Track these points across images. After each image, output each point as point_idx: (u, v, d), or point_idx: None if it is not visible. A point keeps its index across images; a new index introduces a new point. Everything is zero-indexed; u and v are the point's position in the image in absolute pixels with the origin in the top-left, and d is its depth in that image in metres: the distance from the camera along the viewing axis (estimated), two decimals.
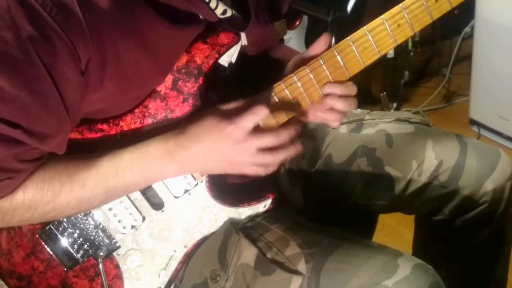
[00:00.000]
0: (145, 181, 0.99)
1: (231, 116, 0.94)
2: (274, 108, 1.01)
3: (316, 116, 1.05)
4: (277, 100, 1.00)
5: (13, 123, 0.81)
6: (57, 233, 1.04)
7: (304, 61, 1.01)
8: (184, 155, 0.95)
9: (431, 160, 1.21)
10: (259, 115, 0.94)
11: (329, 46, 1.01)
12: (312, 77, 0.99)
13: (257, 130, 0.95)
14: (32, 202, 0.91)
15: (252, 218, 1.10)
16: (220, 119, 0.94)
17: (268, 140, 0.95)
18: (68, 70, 0.83)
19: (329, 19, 2.41)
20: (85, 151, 0.96)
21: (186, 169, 0.99)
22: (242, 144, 0.94)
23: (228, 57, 1.03)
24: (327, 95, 1.01)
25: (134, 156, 0.95)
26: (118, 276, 1.08)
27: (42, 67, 0.80)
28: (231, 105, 0.96)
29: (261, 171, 0.99)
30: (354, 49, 0.98)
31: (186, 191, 1.05)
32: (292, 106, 1.01)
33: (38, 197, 0.90)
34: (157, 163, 0.95)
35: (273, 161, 0.98)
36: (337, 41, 1.00)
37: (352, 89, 1.02)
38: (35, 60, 0.79)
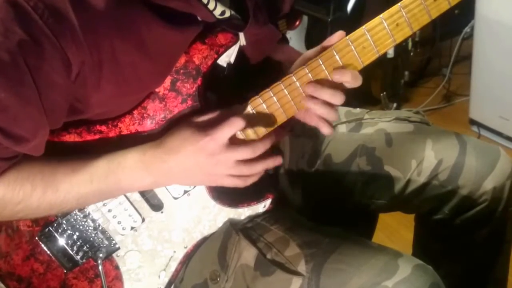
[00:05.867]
0: (119, 191, 1.00)
1: (206, 127, 0.93)
2: (273, 109, 1.01)
3: (312, 118, 1.04)
4: (276, 99, 1.00)
5: None
6: (56, 235, 1.04)
7: (314, 56, 0.99)
8: (160, 168, 0.95)
9: (430, 159, 1.20)
10: (235, 127, 0.93)
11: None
12: (311, 77, 0.99)
13: (234, 142, 0.95)
14: (1, 201, 0.91)
15: (251, 218, 1.09)
16: (194, 130, 0.93)
17: (244, 153, 0.95)
18: (55, 75, 0.82)
19: (329, 19, 2.42)
20: (83, 152, 0.96)
21: (163, 181, 0.99)
22: (217, 156, 0.94)
23: (227, 58, 1.03)
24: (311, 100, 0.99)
25: (111, 165, 0.95)
26: (118, 278, 1.08)
27: (27, 70, 0.80)
28: (207, 116, 0.96)
29: (239, 183, 0.99)
30: (353, 49, 0.98)
31: (185, 192, 1.05)
32: (291, 106, 1.01)
33: (8, 196, 0.90)
34: (133, 174, 0.95)
35: (250, 173, 0.98)
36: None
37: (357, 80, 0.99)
38: (21, 64, 0.79)
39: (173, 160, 0.94)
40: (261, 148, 0.97)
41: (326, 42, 0.99)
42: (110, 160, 0.95)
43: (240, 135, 0.99)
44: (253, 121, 1.00)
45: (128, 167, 0.95)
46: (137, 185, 0.98)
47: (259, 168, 0.99)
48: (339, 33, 0.98)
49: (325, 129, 1.02)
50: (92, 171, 0.94)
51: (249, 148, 0.96)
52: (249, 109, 1.00)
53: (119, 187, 0.97)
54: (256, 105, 1.00)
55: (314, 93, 0.97)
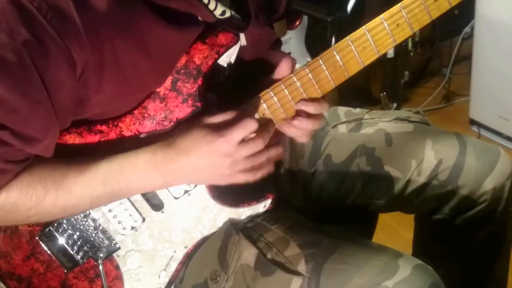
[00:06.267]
0: (131, 192, 1.00)
1: (220, 128, 0.93)
2: (273, 109, 1.01)
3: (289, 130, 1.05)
4: (276, 100, 1.00)
5: (0, 124, 0.81)
6: (56, 235, 1.04)
7: (270, 83, 1.02)
8: (172, 168, 0.95)
9: (430, 159, 1.20)
10: (249, 128, 0.94)
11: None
12: (311, 77, 0.99)
13: (244, 140, 0.95)
14: (15, 206, 0.90)
15: (252, 218, 1.09)
16: (209, 131, 0.93)
17: (254, 147, 0.96)
18: (61, 74, 0.82)
19: (329, 19, 2.42)
20: (84, 152, 0.96)
21: (174, 181, 0.99)
22: (231, 157, 0.94)
23: (227, 58, 1.03)
24: (297, 113, 1.02)
25: (123, 167, 0.95)
26: (118, 277, 1.08)
27: (34, 70, 0.80)
28: (220, 117, 0.96)
29: (249, 178, 0.99)
30: (353, 49, 0.98)
31: (186, 191, 1.05)
32: (291, 106, 1.01)
33: (21, 201, 0.90)
34: (144, 175, 0.95)
35: (259, 162, 0.98)
36: (337, 41, 1.00)
37: (323, 108, 1.03)
38: (28, 64, 0.79)
39: (185, 160, 0.94)
40: (267, 135, 0.98)
41: (275, 75, 1.02)
42: (121, 161, 0.95)
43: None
44: (266, 125, 1.00)
45: (139, 168, 0.95)
46: (148, 185, 0.98)
47: (264, 157, 0.99)
48: (286, 67, 1.02)
49: (300, 138, 1.04)
50: (103, 174, 0.94)
51: (257, 140, 0.96)
52: (262, 100, 1.01)
53: (130, 188, 0.97)
54: (278, 91, 1.00)
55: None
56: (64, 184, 0.92)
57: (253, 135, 0.98)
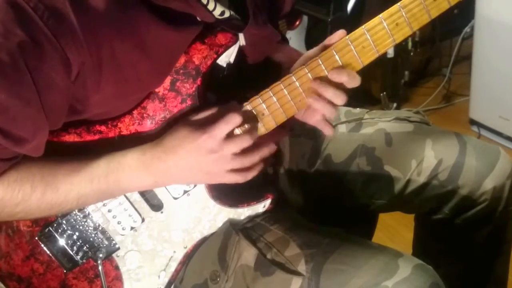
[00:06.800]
0: (119, 191, 1.00)
1: (204, 125, 0.94)
2: (272, 109, 1.01)
3: (311, 118, 1.04)
4: (275, 99, 1.00)
5: None
6: (56, 235, 1.04)
7: (314, 56, 1.00)
8: (160, 167, 0.95)
9: (430, 159, 1.20)
10: (232, 123, 0.94)
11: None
12: (310, 77, 0.99)
13: (230, 136, 0.95)
14: (1, 202, 0.90)
15: (251, 218, 1.09)
16: (192, 129, 0.93)
17: (241, 142, 0.96)
18: (55, 75, 0.83)
19: (329, 19, 2.42)
20: (82, 152, 0.96)
21: (163, 181, 0.99)
22: (216, 153, 0.94)
23: (226, 58, 1.03)
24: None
25: (111, 165, 0.95)
26: (118, 278, 1.08)
27: (26, 71, 0.80)
28: (204, 114, 0.96)
29: (239, 178, 0.99)
30: (353, 49, 0.98)
31: (185, 192, 1.04)
32: (291, 106, 1.01)
33: (8, 197, 0.90)
34: (133, 174, 0.95)
35: (249, 163, 0.98)
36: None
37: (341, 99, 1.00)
38: (21, 65, 0.79)
39: (172, 159, 0.94)
40: (254, 131, 0.98)
41: (327, 41, 1.00)
42: (110, 160, 0.95)
43: (237, 130, 0.99)
44: (253, 121, 1.00)
45: (128, 167, 0.95)
46: (136, 185, 0.98)
47: (256, 157, 0.99)
48: (340, 32, 0.98)
49: (326, 130, 1.02)
50: (92, 171, 0.94)
51: (245, 136, 0.96)
52: (249, 108, 1.00)
53: (118, 187, 0.97)
54: (256, 105, 1.00)
55: (319, 88, 0.98)
56: (52, 181, 0.92)
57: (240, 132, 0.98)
